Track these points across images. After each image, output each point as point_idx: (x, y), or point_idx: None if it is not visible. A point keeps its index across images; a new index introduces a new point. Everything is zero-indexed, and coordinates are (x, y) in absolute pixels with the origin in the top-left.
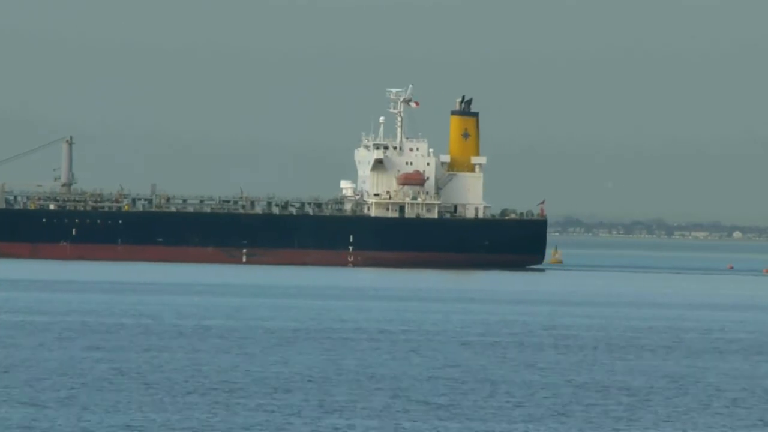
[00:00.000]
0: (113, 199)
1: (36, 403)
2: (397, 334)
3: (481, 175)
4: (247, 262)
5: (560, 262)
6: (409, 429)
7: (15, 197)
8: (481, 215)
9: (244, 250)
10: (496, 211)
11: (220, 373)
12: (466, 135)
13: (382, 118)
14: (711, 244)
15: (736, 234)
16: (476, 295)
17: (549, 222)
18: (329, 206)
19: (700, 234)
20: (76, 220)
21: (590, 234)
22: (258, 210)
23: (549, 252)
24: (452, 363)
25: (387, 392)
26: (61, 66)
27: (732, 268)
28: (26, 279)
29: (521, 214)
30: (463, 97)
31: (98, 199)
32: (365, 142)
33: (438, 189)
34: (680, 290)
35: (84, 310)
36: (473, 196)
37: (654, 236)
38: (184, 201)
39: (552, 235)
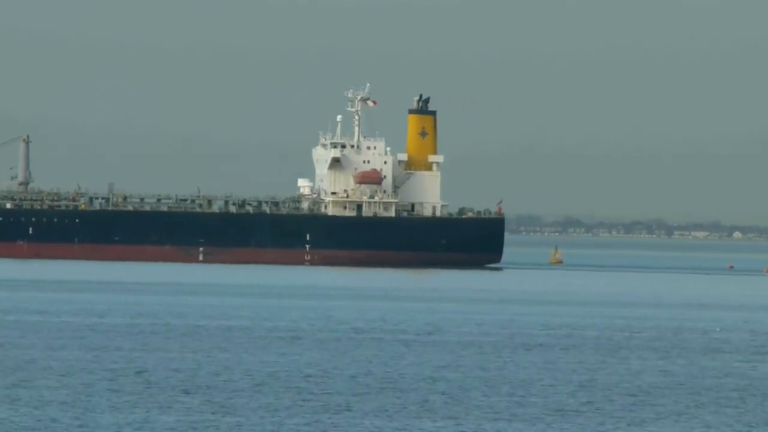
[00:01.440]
0: (70, 198)
1: None
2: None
3: (439, 173)
4: (204, 261)
5: (560, 262)
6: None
7: None
8: (438, 214)
9: (201, 249)
10: (453, 209)
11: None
12: (423, 134)
13: (339, 117)
14: (711, 244)
15: (736, 234)
16: (426, 294)
17: (546, 222)
18: (286, 205)
19: (700, 234)
20: (33, 219)
21: (590, 234)
22: (215, 209)
23: (549, 252)
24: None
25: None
26: (61, 66)
27: (732, 267)
28: None
29: (479, 213)
30: (421, 96)
31: (55, 198)
32: (323, 140)
33: (395, 188)
34: (656, 289)
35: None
36: (431, 194)
37: (654, 236)
38: (142, 200)
39: (552, 235)
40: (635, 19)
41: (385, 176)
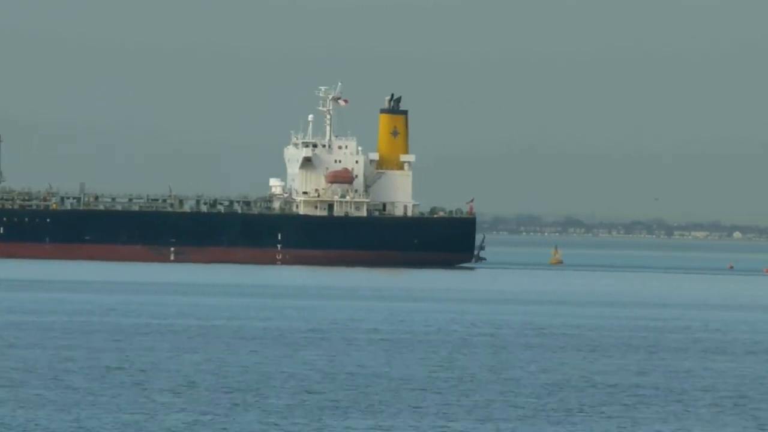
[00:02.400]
0: (41, 197)
1: None
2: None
3: (410, 173)
4: (175, 261)
5: (561, 262)
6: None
7: None
8: (409, 213)
9: (172, 249)
10: (425, 209)
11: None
12: (395, 133)
13: (311, 116)
14: (711, 244)
15: (736, 234)
16: (396, 294)
17: (546, 222)
18: (258, 204)
19: (700, 234)
20: (4, 219)
21: (590, 234)
22: (186, 208)
23: (550, 252)
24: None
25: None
26: (59, 66)
27: (732, 267)
28: None
29: (450, 212)
30: (392, 95)
31: (26, 198)
32: (294, 140)
33: (367, 187)
34: (642, 288)
35: None
36: (402, 194)
37: (654, 236)
38: (113, 199)
39: (552, 236)
40: (635, 19)
41: (356, 176)
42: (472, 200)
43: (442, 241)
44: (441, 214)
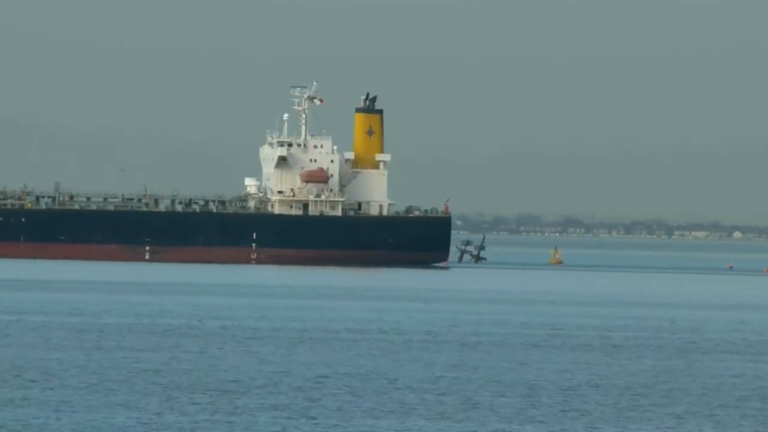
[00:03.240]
0: (16, 197)
1: None
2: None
3: (386, 172)
4: (150, 260)
5: (561, 262)
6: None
7: None
8: (385, 213)
9: (147, 248)
10: (400, 208)
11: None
12: (370, 132)
13: (286, 116)
14: (711, 244)
15: (736, 234)
16: (367, 293)
17: (546, 222)
18: (233, 204)
19: (700, 234)
20: None
21: (590, 234)
22: (161, 208)
23: (550, 252)
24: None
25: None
26: (55, 67)
27: (731, 267)
28: None
29: (425, 211)
30: (368, 95)
31: (1, 197)
32: (269, 139)
33: (342, 186)
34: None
35: None
36: (377, 193)
37: (654, 236)
38: (88, 199)
39: (552, 236)
40: (634, 19)
41: (331, 175)
42: (447, 200)
43: (418, 240)
44: (416, 213)
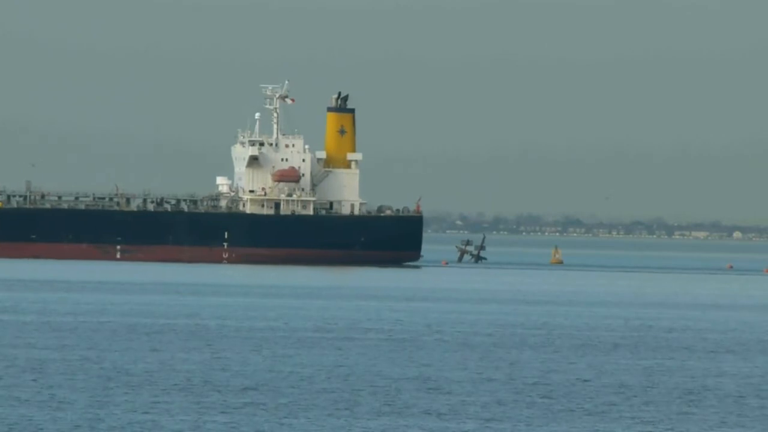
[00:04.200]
0: None
1: None
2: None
3: (357, 171)
4: (122, 259)
5: (561, 262)
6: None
7: None
8: (356, 212)
9: (119, 247)
10: (372, 207)
11: None
12: (342, 131)
13: (257, 115)
14: (711, 244)
15: (736, 234)
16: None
17: (546, 222)
18: (204, 203)
19: (701, 234)
20: None
21: (590, 234)
22: (133, 207)
23: (550, 252)
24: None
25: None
26: (28, 66)
27: (731, 267)
28: None
29: (397, 211)
30: (339, 94)
31: None
32: (241, 138)
33: (313, 185)
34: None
35: None
36: (349, 192)
37: (654, 236)
38: (59, 198)
39: (552, 236)
40: (633, 20)
41: (303, 174)
42: (419, 199)
43: (389, 239)
44: (388, 212)
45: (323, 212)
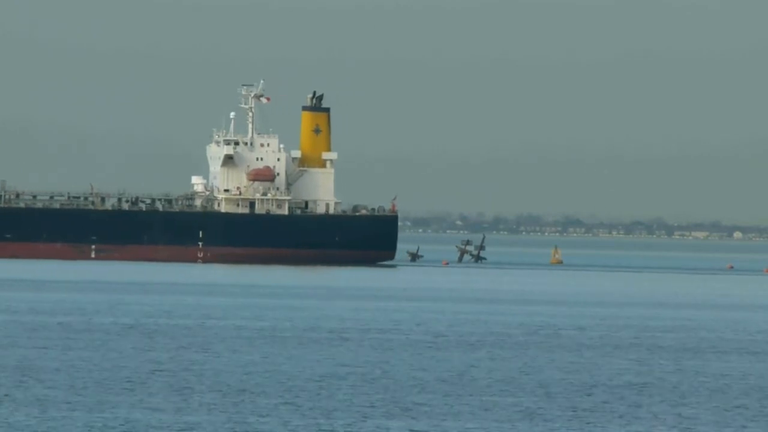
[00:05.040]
0: None
1: None
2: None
3: (332, 170)
4: (96, 258)
5: (561, 262)
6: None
7: None
8: (331, 211)
9: (93, 246)
10: (347, 206)
11: None
12: (317, 130)
13: (232, 114)
14: (711, 244)
15: (736, 234)
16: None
17: (546, 222)
18: (179, 202)
19: (701, 234)
20: None
21: (590, 234)
22: (108, 206)
23: (550, 252)
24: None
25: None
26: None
27: (732, 267)
28: None
29: (373, 210)
30: (314, 93)
31: None
32: (216, 137)
33: (288, 185)
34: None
35: None
36: (324, 191)
37: (654, 236)
38: (34, 197)
39: (552, 236)
40: (635, 22)
41: (278, 173)
42: (395, 198)
43: (364, 238)
44: (363, 211)
45: (298, 212)
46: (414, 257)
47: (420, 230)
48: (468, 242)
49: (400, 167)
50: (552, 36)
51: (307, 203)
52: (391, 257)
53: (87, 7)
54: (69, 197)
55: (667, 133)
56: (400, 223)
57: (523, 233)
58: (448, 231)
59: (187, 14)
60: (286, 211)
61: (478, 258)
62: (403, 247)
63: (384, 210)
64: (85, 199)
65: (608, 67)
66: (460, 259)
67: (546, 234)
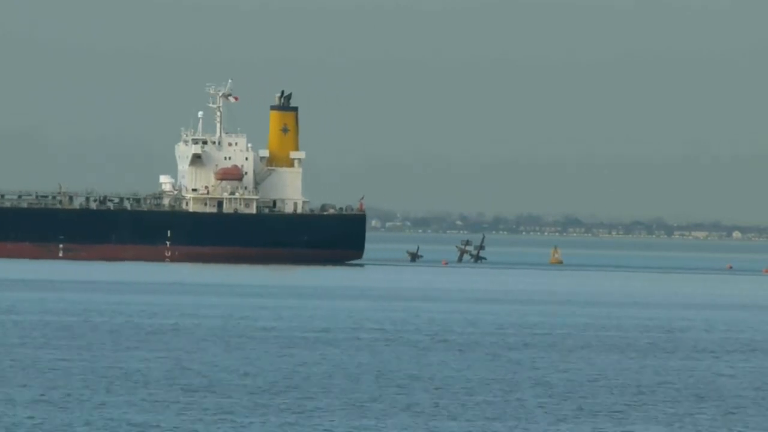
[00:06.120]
0: None
1: None
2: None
3: (300, 170)
4: (64, 258)
5: (560, 262)
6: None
7: None
8: (299, 210)
9: (61, 246)
10: (315, 206)
11: None
12: (285, 130)
13: (201, 113)
14: (711, 244)
15: (736, 234)
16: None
17: (546, 222)
18: (147, 201)
19: (700, 234)
20: None
21: (590, 234)
22: (76, 205)
23: (549, 251)
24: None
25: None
26: None
27: (731, 267)
28: None
29: (341, 209)
30: (282, 92)
31: None
32: (184, 137)
33: (257, 184)
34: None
35: None
36: (292, 191)
37: (654, 236)
38: (2, 196)
39: (552, 235)
40: (634, 23)
41: (246, 172)
42: (362, 197)
43: (332, 238)
44: (331, 211)
45: (266, 211)
46: (414, 257)
47: (420, 230)
48: (468, 242)
49: (399, 168)
50: (552, 36)
51: (275, 202)
52: (359, 256)
53: (56, 3)
54: (37, 196)
55: (668, 135)
56: (399, 223)
57: (523, 233)
58: (448, 231)
59: (157, 13)
60: (254, 211)
61: (477, 258)
62: (403, 248)
63: (352, 209)
64: (53, 198)
65: (609, 67)
66: (460, 259)
67: (546, 234)
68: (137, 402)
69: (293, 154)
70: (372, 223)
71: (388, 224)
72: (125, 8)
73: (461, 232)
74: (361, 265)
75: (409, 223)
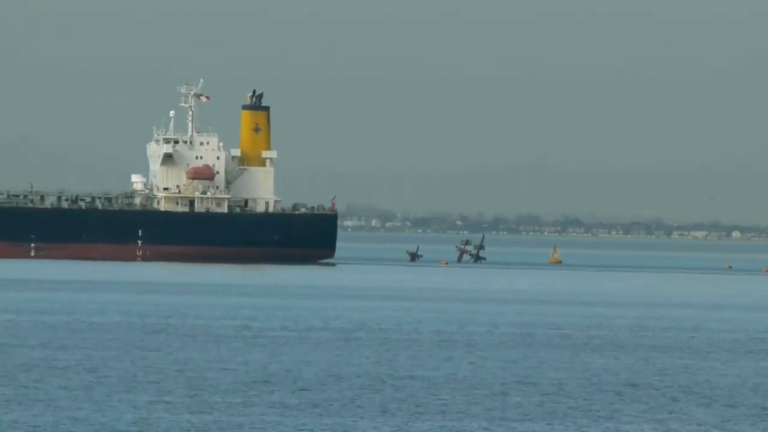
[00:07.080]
0: None
1: None
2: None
3: (272, 169)
4: (36, 257)
5: (560, 261)
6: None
7: None
8: (271, 209)
9: (33, 245)
10: (287, 205)
11: None
12: (256, 129)
13: (172, 113)
14: (710, 244)
15: (735, 234)
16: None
17: (546, 222)
18: (119, 200)
19: (700, 234)
20: None
21: (589, 234)
22: (47, 204)
23: (549, 251)
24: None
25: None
26: None
27: (730, 267)
28: None
29: (312, 208)
30: (254, 92)
31: None
32: (156, 136)
33: (228, 183)
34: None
35: None
36: (264, 190)
37: (653, 236)
38: None
39: (551, 235)
40: (632, 31)
41: (217, 172)
42: (334, 197)
43: (304, 237)
44: (303, 210)
45: (238, 210)
46: (414, 257)
47: (420, 230)
48: (467, 242)
49: (395, 170)
50: (551, 45)
51: (246, 201)
52: (331, 256)
53: (33, 14)
54: (8, 195)
55: (668, 136)
56: (399, 223)
57: (523, 233)
58: (448, 231)
59: (129, 15)
60: (225, 210)
61: (477, 258)
62: (402, 247)
63: (324, 209)
64: (25, 197)
65: (607, 73)
66: (460, 259)
67: (545, 234)
68: None
69: (265, 154)
70: (372, 222)
71: (388, 224)
72: (99, 11)
73: (461, 232)
74: (332, 264)
75: (409, 223)
